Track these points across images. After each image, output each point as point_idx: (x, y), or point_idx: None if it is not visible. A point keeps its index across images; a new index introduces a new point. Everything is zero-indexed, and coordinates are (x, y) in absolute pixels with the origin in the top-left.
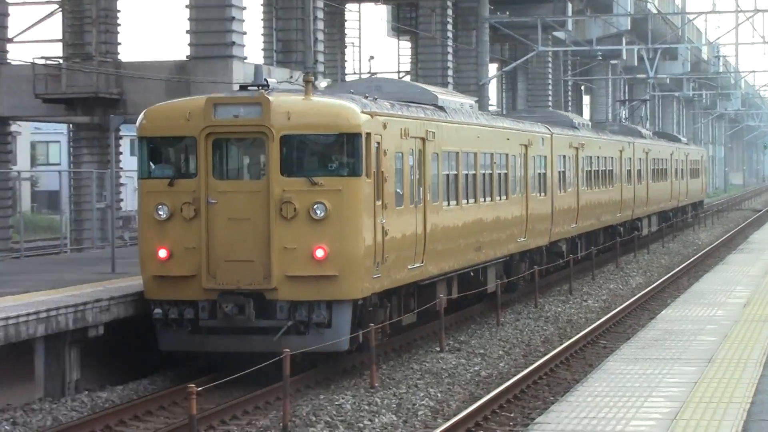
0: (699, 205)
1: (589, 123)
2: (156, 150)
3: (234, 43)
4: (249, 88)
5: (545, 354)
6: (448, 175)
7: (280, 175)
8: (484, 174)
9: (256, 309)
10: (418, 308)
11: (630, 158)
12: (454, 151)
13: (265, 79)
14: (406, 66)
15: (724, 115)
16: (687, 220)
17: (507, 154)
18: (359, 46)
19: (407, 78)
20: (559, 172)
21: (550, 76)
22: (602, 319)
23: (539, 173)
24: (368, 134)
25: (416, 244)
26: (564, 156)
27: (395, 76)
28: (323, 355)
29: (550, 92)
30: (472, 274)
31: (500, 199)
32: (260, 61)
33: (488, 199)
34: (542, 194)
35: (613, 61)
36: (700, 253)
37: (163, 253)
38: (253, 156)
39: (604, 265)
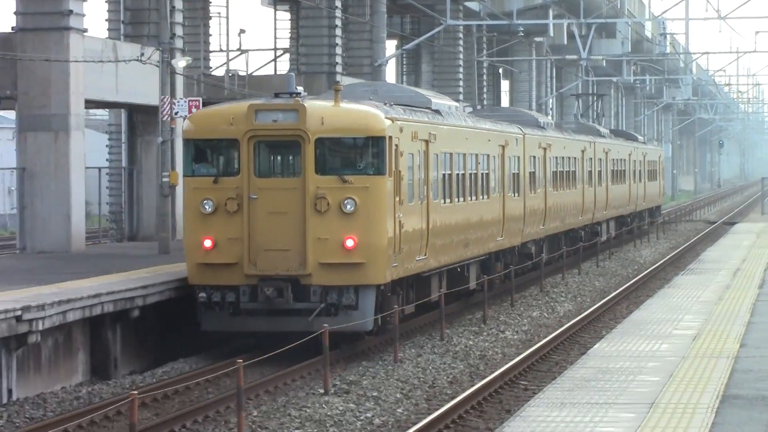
0: (656, 210)
1: (552, 122)
2: (201, 151)
3: (71, 12)
4: (281, 95)
5: (453, 397)
6: (444, 175)
7: (314, 173)
8: (471, 174)
9: (293, 292)
10: (416, 300)
11: (591, 159)
12: (449, 152)
13: (297, 87)
14: (285, 42)
15: (672, 106)
16: (643, 227)
17: (488, 155)
18: (227, 18)
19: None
20: (530, 173)
21: (461, 56)
22: (523, 355)
23: (513, 173)
24: (390, 137)
25: (422, 238)
26: (534, 156)
27: (271, 54)
28: (347, 335)
29: (461, 76)
30: (458, 270)
31: (483, 198)
32: (104, 34)
33: (474, 198)
34: (516, 195)
35: (537, 39)
36: (641, 274)
37: (208, 243)
38: (290, 156)
39: (525, 288)
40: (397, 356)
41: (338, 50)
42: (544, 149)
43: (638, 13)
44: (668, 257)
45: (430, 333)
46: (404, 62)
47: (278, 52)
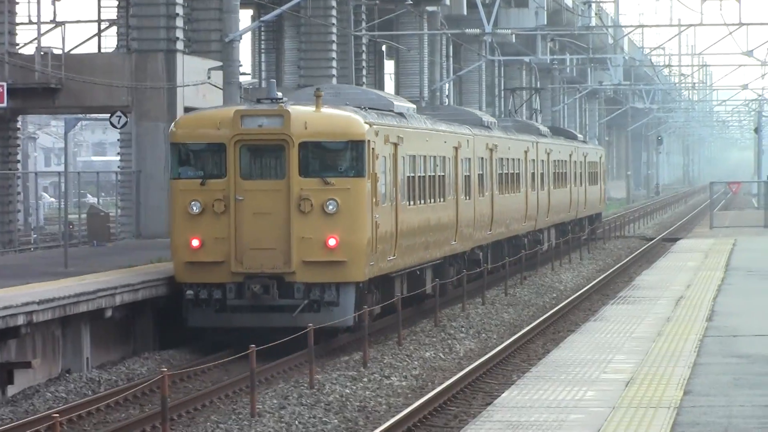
0: (597, 218)
1: (495, 121)
2: (188, 154)
3: None
4: (264, 100)
5: None
6: (409, 177)
7: (298, 175)
8: (430, 176)
9: (278, 289)
10: (382, 302)
11: (533, 160)
12: (414, 155)
13: (278, 93)
14: (112, 12)
15: (599, 92)
16: (582, 237)
17: (444, 157)
18: None
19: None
20: (479, 175)
21: (334, 29)
22: (413, 406)
23: (465, 176)
24: (368, 141)
25: (392, 239)
26: (482, 158)
27: (94, 28)
28: (327, 331)
29: (334, 55)
30: (417, 273)
31: (441, 201)
32: None
33: (433, 200)
34: (467, 198)
35: (430, 8)
36: (561, 304)
37: (195, 243)
38: (275, 159)
39: (416, 322)
40: (254, 409)
41: (179, 22)
42: (491, 150)
43: None
44: (594, 282)
45: (296, 379)
46: (262, 37)
47: (103, 25)
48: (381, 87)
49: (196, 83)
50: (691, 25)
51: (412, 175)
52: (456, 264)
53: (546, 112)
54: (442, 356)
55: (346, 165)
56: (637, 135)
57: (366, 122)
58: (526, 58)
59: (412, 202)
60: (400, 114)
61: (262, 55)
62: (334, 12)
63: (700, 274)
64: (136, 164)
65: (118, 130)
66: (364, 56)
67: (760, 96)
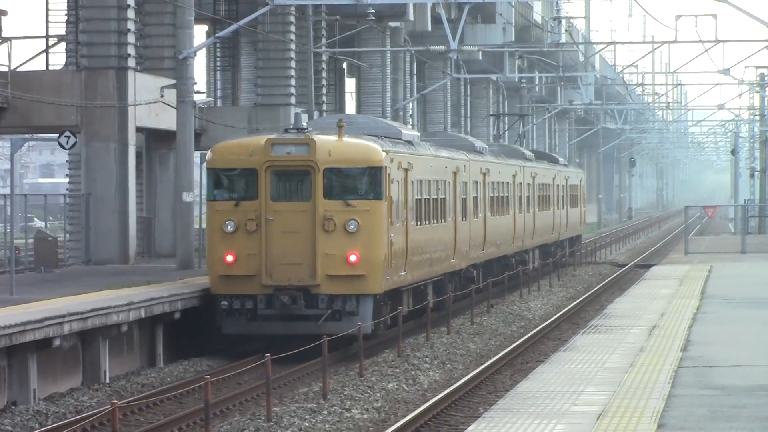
0: (577, 240)
1: (486, 147)
2: (223, 178)
3: None
4: (291, 130)
5: None
6: (416, 200)
7: (323, 198)
8: (434, 199)
9: (305, 300)
10: (390, 313)
11: (521, 184)
12: (421, 179)
13: (304, 124)
14: (61, 28)
15: (569, 112)
16: (564, 258)
17: (445, 181)
18: None
19: None
20: (473, 198)
21: (293, 46)
22: None
23: (462, 198)
24: (385, 167)
25: (403, 255)
26: (476, 182)
27: (42, 44)
28: (346, 338)
29: (292, 72)
30: (421, 288)
31: (442, 221)
32: None
33: (436, 221)
34: (464, 219)
35: (393, 24)
36: (530, 333)
37: (229, 258)
38: (302, 183)
39: (377, 352)
40: None
41: (130, 38)
42: (484, 174)
43: None
44: (564, 311)
45: (253, 411)
46: (218, 54)
47: (51, 41)
48: (342, 106)
49: (149, 102)
50: (665, 42)
51: (419, 197)
52: (454, 280)
53: (512, 132)
54: (406, 387)
55: (366, 188)
56: (608, 157)
57: (383, 150)
58: (493, 76)
59: (419, 223)
60: (409, 142)
61: (218, 73)
62: (293, 28)
63: (675, 302)
64: (86, 187)
65: (67, 151)
66: (324, 74)
67: (737, 116)
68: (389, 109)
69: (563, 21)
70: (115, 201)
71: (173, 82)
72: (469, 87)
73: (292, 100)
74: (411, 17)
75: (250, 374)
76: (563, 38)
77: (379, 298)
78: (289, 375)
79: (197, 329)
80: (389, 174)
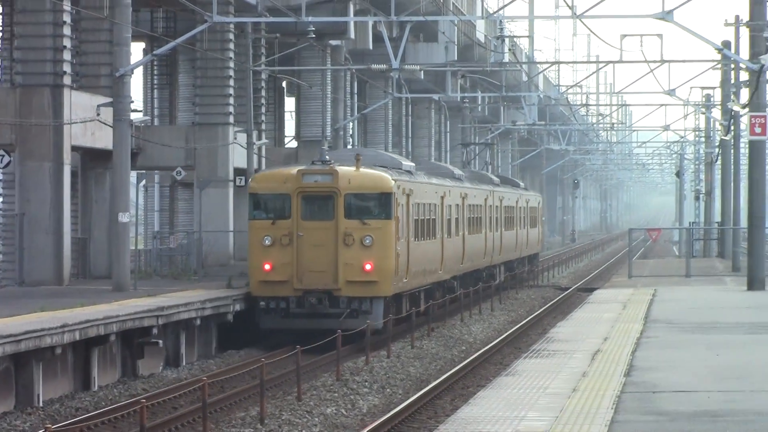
0: (535, 257)
1: (463, 173)
2: (262, 201)
3: None
4: (315, 162)
5: None
6: (415, 220)
7: (344, 218)
8: (428, 219)
9: (328, 301)
10: (395, 314)
11: (491, 206)
12: (418, 203)
13: (327, 156)
14: None
15: (512, 133)
16: (524, 273)
17: (435, 204)
18: None
19: None
20: (456, 219)
21: (231, 64)
22: None
23: (447, 219)
24: (394, 193)
25: (406, 265)
26: (458, 205)
27: None
28: (362, 332)
29: (231, 92)
30: (417, 294)
31: (433, 238)
32: None
33: (428, 238)
34: (449, 236)
35: (333, 42)
36: (471, 357)
37: (267, 267)
38: (327, 206)
39: (317, 375)
40: None
41: (66, 55)
42: (463, 198)
43: (468, 10)
44: (506, 335)
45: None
46: (155, 72)
47: None
48: (281, 125)
49: (85, 120)
50: (610, 62)
51: (417, 218)
52: (440, 289)
53: (455, 153)
54: (344, 412)
55: (378, 210)
56: (552, 178)
57: (392, 179)
58: (435, 96)
59: (417, 239)
60: (408, 171)
61: (155, 91)
62: (231, 46)
63: (618, 326)
64: (20, 206)
65: (1, 170)
66: (263, 93)
67: (682, 138)
68: (329, 128)
69: (507, 40)
70: (50, 221)
71: (110, 100)
72: (410, 106)
73: (231, 119)
74: (352, 35)
75: (186, 398)
76: (506, 57)
77: (388, 300)
78: (227, 399)
79: (132, 350)
80: (396, 198)
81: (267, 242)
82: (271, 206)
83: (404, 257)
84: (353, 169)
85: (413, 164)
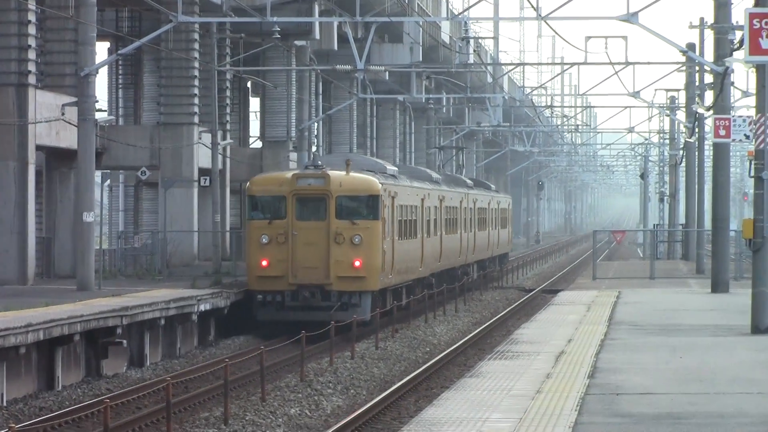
0: (505, 257)
1: (441, 177)
2: (260, 203)
3: None
4: (308, 167)
5: None
6: (399, 220)
7: (335, 218)
8: (409, 220)
9: (320, 295)
10: (381, 307)
11: (465, 208)
12: (401, 204)
13: (319, 162)
14: None
15: (477, 134)
16: (494, 273)
17: (416, 206)
18: None
19: None
20: (434, 220)
21: (196, 64)
22: None
23: (427, 220)
24: (381, 195)
25: (391, 263)
26: (436, 207)
27: None
28: (352, 323)
29: (196, 92)
30: (399, 289)
31: (414, 238)
32: None
33: (410, 237)
34: (428, 236)
35: (298, 43)
36: (435, 359)
37: (264, 263)
38: (319, 207)
39: (281, 376)
40: None
41: (31, 55)
42: (440, 200)
43: (433, 11)
44: (470, 336)
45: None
46: (120, 72)
47: None
48: (246, 126)
49: (49, 120)
50: (574, 64)
51: (401, 218)
52: (419, 285)
53: (420, 154)
54: (308, 413)
55: (367, 211)
56: (516, 179)
57: (380, 182)
58: (400, 97)
59: (400, 238)
60: (393, 175)
61: (120, 91)
62: (196, 45)
63: (582, 328)
64: None
65: None
66: (228, 93)
67: (646, 140)
68: (294, 129)
69: (471, 41)
70: (14, 221)
71: (74, 99)
72: (375, 107)
73: (196, 119)
74: (317, 36)
75: (150, 398)
76: (471, 59)
77: (375, 294)
78: (191, 399)
79: (96, 349)
80: (383, 200)
81: (264, 240)
82: (267, 207)
83: (389, 255)
84: (344, 173)
85: (396, 168)
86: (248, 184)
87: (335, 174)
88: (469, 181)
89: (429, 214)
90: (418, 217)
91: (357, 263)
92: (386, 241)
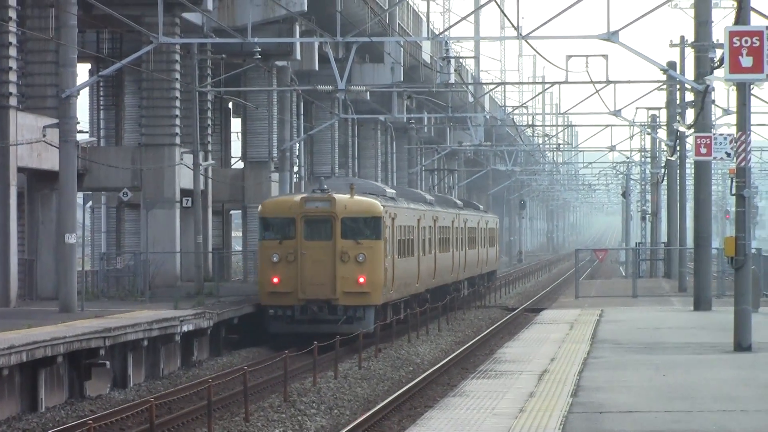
0: (493, 274)
1: (434, 198)
2: (270, 224)
3: None
4: (315, 191)
5: None
6: (398, 240)
7: (340, 238)
8: (407, 239)
9: (327, 309)
10: (381, 321)
11: (457, 227)
12: (400, 225)
13: (325, 186)
14: None
15: (459, 153)
16: (481, 289)
17: (413, 226)
18: None
19: None
20: (429, 239)
21: (177, 85)
22: None
23: (422, 239)
24: (383, 217)
25: (392, 279)
26: (430, 227)
27: None
28: (352, 338)
29: (177, 113)
30: (398, 304)
31: (412, 256)
32: None
33: (408, 255)
34: (424, 254)
35: (280, 63)
36: (417, 379)
37: (275, 280)
38: (326, 228)
39: (264, 396)
40: None
41: (12, 76)
42: (435, 220)
43: (413, 31)
44: (453, 355)
45: None
46: (101, 93)
47: None
48: (228, 146)
49: (31, 141)
50: (555, 83)
51: (400, 238)
52: (416, 300)
53: (402, 174)
54: None
55: (370, 232)
56: (498, 198)
57: (382, 205)
58: (382, 117)
59: (400, 256)
60: (392, 198)
61: (101, 112)
62: (177, 66)
63: (565, 346)
64: None
65: None
66: (209, 114)
67: (628, 158)
68: (275, 149)
69: (452, 61)
70: None
71: (56, 121)
72: (356, 127)
73: (177, 140)
74: (298, 56)
75: (134, 419)
76: (452, 78)
77: (378, 308)
78: (174, 420)
79: (79, 371)
80: (384, 221)
81: (275, 259)
82: (278, 228)
83: (390, 272)
84: (348, 196)
85: (394, 191)
86: (260, 207)
87: (340, 197)
88: (459, 202)
89: (424, 234)
90: (415, 236)
91: (361, 279)
92: (387, 259)
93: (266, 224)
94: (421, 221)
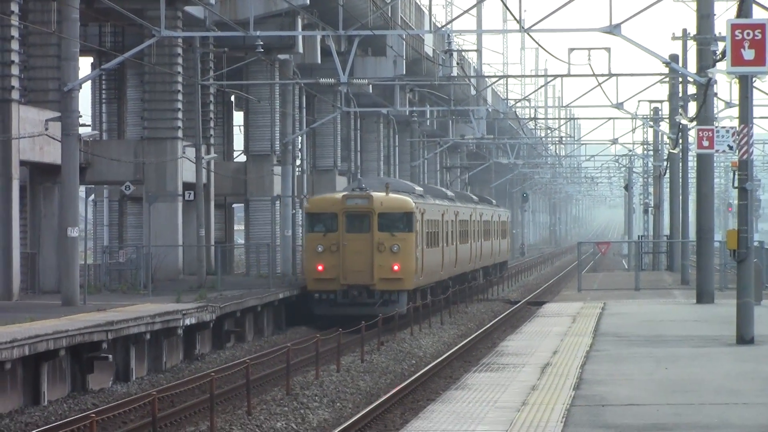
0: (504, 265)
1: (454, 194)
2: (316, 219)
3: None
4: (354, 189)
5: None
6: (426, 232)
7: (377, 231)
8: (432, 232)
9: (366, 293)
10: (413, 304)
11: (475, 221)
12: (429, 219)
13: (363, 185)
14: None
15: (461, 147)
16: (493, 279)
17: (438, 220)
18: None
19: None
20: (451, 231)
21: (179, 79)
22: None
23: (446, 231)
24: (414, 212)
25: (422, 267)
26: (452, 220)
27: None
28: (392, 317)
29: (179, 107)
30: (426, 290)
31: (436, 246)
32: None
33: (433, 246)
34: (447, 245)
35: (282, 56)
36: (420, 372)
37: (320, 268)
38: (364, 222)
39: (267, 389)
40: None
41: (14, 70)
42: (456, 214)
43: (416, 24)
44: (456, 348)
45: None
46: (103, 86)
47: None
48: (230, 140)
49: (33, 135)
50: (558, 76)
51: (428, 231)
52: (440, 287)
53: (404, 167)
54: (294, 427)
55: (403, 225)
56: (501, 192)
57: (413, 201)
58: (384, 110)
59: (428, 247)
60: (421, 195)
61: (103, 106)
62: (179, 60)
63: (567, 339)
64: None
65: None
66: (211, 107)
67: (630, 151)
68: (278, 142)
69: (455, 54)
70: None
71: (58, 114)
72: (359, 120)
73: (179, 133)
74: (300, 50)
75: (136, 413)
76: (455, 71)
77: (410, 293)
78: (177, 413)
79: (82, 364)
80: (415, 216)
81: (320, 249)
82: (322, 223)
83: (420, 261)
84: (384, 194)
85: (422, 189)
86: (305, 204)
87: (377, 195)
88: (474, 197)
89: (447, 227)
90: (440, 229)
91: (396, 267)
92: (418, 250)
93: (312, 219)
94: (445, 215)
